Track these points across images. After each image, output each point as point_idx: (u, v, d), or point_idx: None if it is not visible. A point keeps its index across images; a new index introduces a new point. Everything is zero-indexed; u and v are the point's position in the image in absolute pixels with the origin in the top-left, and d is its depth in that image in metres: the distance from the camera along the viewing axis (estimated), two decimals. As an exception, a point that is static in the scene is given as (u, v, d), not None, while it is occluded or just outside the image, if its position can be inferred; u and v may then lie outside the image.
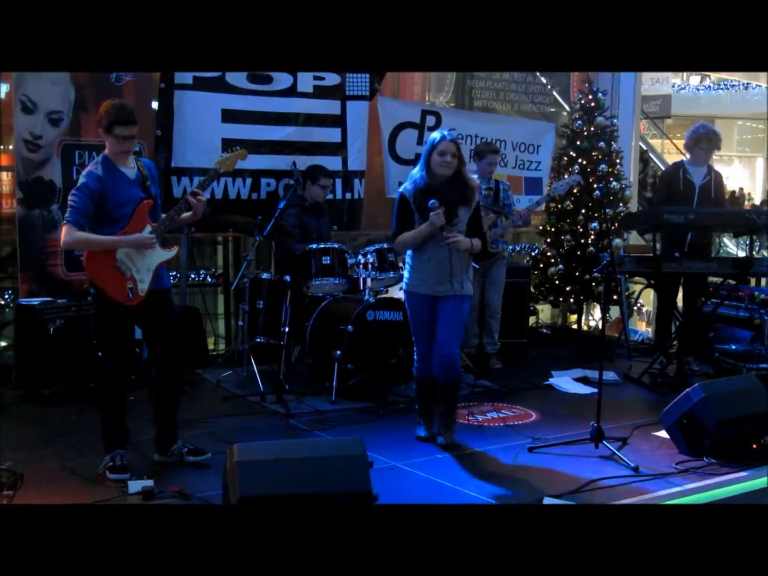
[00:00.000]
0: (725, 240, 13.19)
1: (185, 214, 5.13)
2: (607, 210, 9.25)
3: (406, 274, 5.81)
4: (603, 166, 9.41)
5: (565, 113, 10.89)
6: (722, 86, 27.67)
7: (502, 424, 6.43)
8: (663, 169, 11.16)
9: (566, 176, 8.97)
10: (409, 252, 5.76)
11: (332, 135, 8.35)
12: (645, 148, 13.83)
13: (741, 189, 25.57)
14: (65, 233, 4.82)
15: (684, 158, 7.94)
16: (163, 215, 5.17)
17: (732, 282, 7.62)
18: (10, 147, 7.09)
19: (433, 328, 5.69)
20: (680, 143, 7.96)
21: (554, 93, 10.77)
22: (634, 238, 10.14)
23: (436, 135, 5.56)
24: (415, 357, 5.89)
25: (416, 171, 5.65)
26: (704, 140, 7.69)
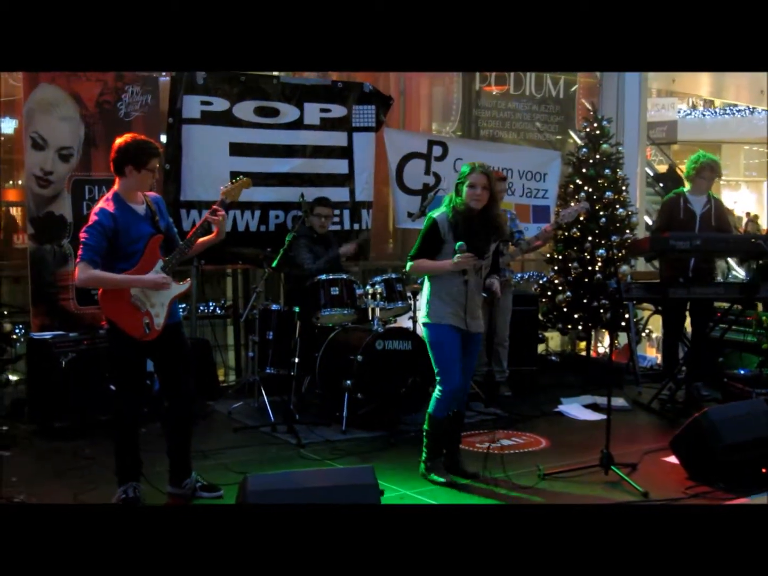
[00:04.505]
0: (732, 263, 13.17)
1: (206, 237, 5.13)
2: (614, 237, 9.29)
3: (433, 306, 5.56)
4: (609, 193, 9.45)
5: (571, 141, 10.95)
6: (728, 111, 27.75)
7: (512, 451, 6.45)
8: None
9: (572, 204, 9.00)
10: (436, 283, 5.58)
11: (339, 166, 8.43)
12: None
13: (748, 214, 25.54)
14: (80, 271, 4.79)
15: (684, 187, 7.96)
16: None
17: (739, 307, 7.62)
18: (21, 183, 7.15)
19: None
20: (687, 169, 7.95)
21: (559, 121, 10.85)
22: (641, 264, 10.17)
23: (466, 167, 5.47)
24: (441, 395, 5.57)
25: (447, 198, 5.56)
26: (707, 170, 7.72)
